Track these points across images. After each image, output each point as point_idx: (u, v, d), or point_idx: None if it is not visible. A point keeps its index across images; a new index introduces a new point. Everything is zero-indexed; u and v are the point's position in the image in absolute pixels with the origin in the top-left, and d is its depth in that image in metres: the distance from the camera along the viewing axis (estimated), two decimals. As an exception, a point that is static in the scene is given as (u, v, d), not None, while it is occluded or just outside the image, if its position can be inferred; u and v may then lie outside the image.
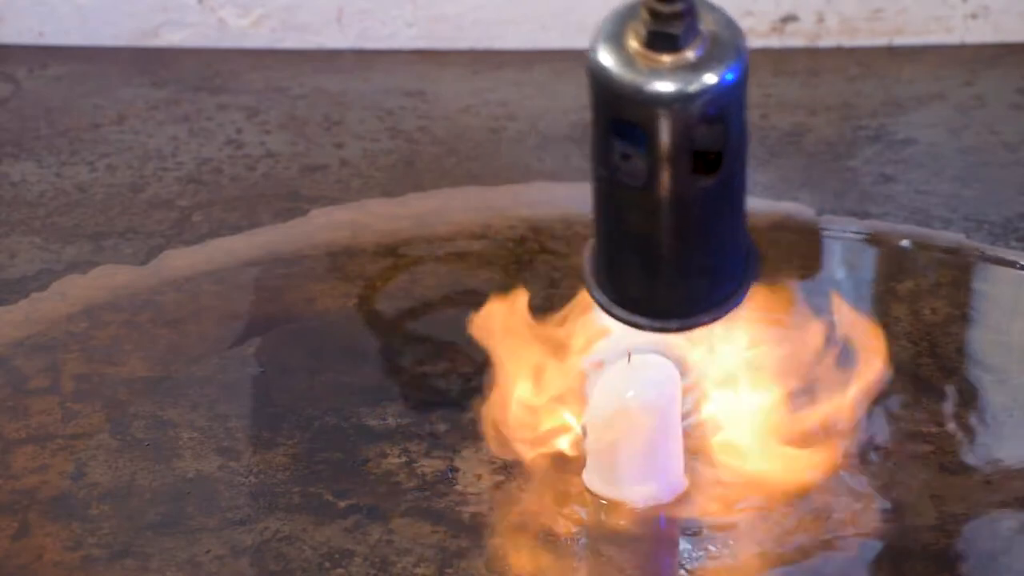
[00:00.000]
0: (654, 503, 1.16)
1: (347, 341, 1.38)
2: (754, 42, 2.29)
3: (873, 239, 1.58)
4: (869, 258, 1.56)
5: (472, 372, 1.31)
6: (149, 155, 1.89)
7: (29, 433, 1.23)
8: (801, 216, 1.66)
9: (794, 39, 2.30)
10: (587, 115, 2.07)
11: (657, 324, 1.02)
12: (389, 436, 1.22)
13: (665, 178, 0.93)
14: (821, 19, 2.30)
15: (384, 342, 1.39)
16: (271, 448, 1.21)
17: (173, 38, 2.32)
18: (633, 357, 1.17)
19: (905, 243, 1.57)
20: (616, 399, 1.16)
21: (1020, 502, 1.14)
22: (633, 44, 0.92)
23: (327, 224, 1.64)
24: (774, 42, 2.30)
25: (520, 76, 2.15)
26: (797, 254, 1.56)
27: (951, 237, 1.59)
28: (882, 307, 1.44)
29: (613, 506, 1.15)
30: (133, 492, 1.16)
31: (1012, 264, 1.50)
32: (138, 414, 1.26)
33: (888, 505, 1.14)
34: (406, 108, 2.04)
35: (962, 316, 1.41)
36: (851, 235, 1.60)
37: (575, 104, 2.05)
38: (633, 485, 1.16)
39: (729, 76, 0.92)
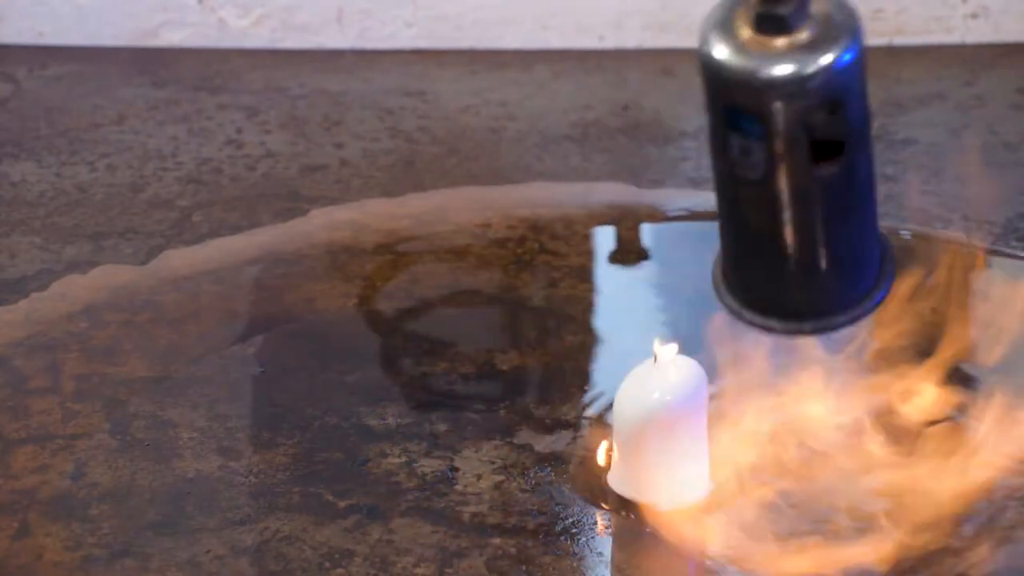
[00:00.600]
0: (679, 506, 1.15)
1: (347, 341, 1.38)
2: (754, 42, 2.29)
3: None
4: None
5: (472, 372, 1.31)
6: (149, 155, 1.89)
7: (29, 433, 1.23)
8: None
9: (794, 39, 2.30)
10: (587, 115, 2.08)
11: (791, 327, 0.98)
12: (389, 436, 1.22)
13: (784, 169, 0.90)
14: (821, 19, 2.29)
15: (384, 342, 1.39)
16: (271, 448, 1.21)
17: (173, 38, 2.32)
18: (659, 357, 1.16)
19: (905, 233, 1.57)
20: (643, 400, 1.15)
21: (1020, 502, 1.14)
22: (743, 30, 0.88)
23: (327, 224, 1.64)
24: (774, 42, 2.30)
25: (520, 76, 2.15)
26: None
27: (951, 237, 1.59)
28: (882, 307, 1.43)
29: (638, 508, 1.14)
30: (133, 492, 1.16)
31: (1013, 260, 1.51)
32: (138, 414, 1.26)
33: (888, 504, 1.14)
34: (406, 108, 2.05)
35: (962, 316, 1.41)
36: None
37: (575, 104, 2.05)
38: (658, 487, 1.15)
39: (846, 56, 0.87)
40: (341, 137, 1.95)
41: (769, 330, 0.98)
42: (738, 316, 0.99)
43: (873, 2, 2.29)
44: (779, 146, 0.89)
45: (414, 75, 2.18)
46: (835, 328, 0.98)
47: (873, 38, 2.31)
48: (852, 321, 0.98)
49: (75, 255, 1.59)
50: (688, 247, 1.56)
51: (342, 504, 1.14)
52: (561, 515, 1.13)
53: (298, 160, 1.87)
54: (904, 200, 1.72)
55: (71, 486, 1.16)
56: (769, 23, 0.87)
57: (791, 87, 0.87)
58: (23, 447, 1.22)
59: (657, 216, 1.63)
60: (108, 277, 1.50)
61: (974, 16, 2.30)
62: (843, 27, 0.88)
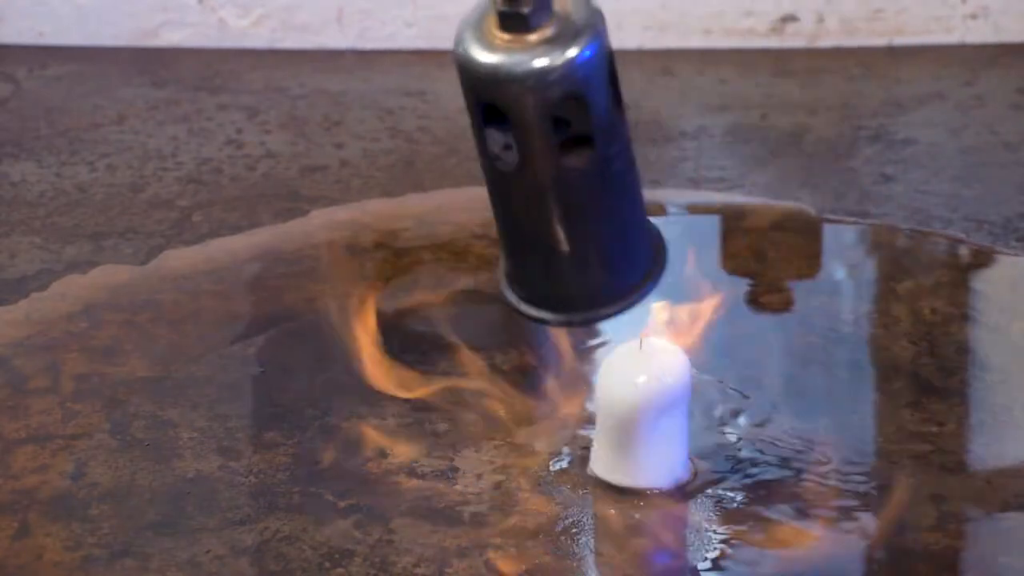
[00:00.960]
0: (659, 490, 1.17)
1: (347, 340, 1.38)
2: (754, 42, 2.29)
3: (874, 238, 1.59)
4: (869, 257, 1.56)
5: (472, 371, 1.31)
6: (149, 155, 1.89)
7: (29, 433, 1.23)
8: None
9: (794, 39, 2.30)
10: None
11: (561, 318, 1.02)
12: (389, 436, 1.22)
13: (535, 161, 0.94)
14: (821, 19, 2.30)
15: (384, 342, 1.38)
16: (271, 448, 1.21)
17: (173, 38, 2.32)
18: (644, 343, 1.17)
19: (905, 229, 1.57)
20: (627, 385, 1.16)
21: (1020, 502, 1.14)
22: (492, 29, 0.93)
23: (327, 224, 1.64)
24: (774, 42, 2.30)
25: (520, 76, 2.14)
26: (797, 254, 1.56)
27: (951, 236, 1.59)
28: (882, 307, 1.44)
29: (618, 492, 1.15)
30: (133, 492, 1.16)
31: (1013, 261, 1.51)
32: (138, 414, 1.26)
33: (888, 505, 1.14)
34: (406, 108, 2.05)
35: (962, 316, 1.41)
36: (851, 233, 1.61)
37: (575, 104, 2.05)
38: (639, 472, 1.16)
39: (587, 52, 0.92)
40: (341, 137, 1.95)
41: (542, 322, 1.03)
42: (516, 309, 1.03)
43: (873, 2, 2.29)
44: (528, 139, 0.93)
45: (414, 75, 2.18)
46: (603, 319, 1.03)
47: (873, 38, 2.32)
48: (620, 311, 1.01)
49: (75, 255, 1.59)
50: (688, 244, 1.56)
51: (342, 504, 1.14)
52: (561, 515, 1.13)
53: (298, 160, 1.87)
54: (904, 200, 1.72)
55: (71, 486, 1.16)
56: (512, 21, 0.91)
57: (533, 81, 0.91)
58: (23, 447, 1.21)
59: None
60: (108, 277, 1.50)
61: (974, 16, 2.30)
62: (585, 24, 0.93)
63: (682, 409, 1.18)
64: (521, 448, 1.21)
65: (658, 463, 1.17)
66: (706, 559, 1.09)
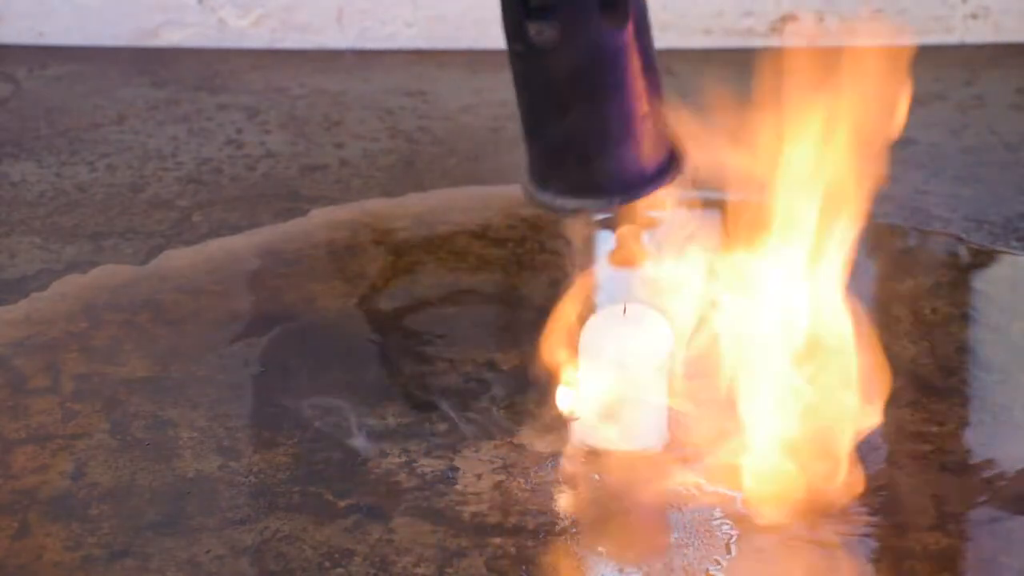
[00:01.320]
0: (642, 452, 1.20)
1: (347, 341, 1.38)
2: (754, 42, 2.30)
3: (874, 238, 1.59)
4: (869, 257, 1.56)
5: (472, 372, 1.31)
6: (149, 155, 1.89)
7: (29, 433, 1.23)
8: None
9: (794, 39, 2.30)
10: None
11: (602, 202, 1.08)
12: (389, 436, 1.23)
13: (577, 29, 1.01)
14: (821, 19, 2.30)
15: (384, 342, 1.39)
16: (271, 448, 1.21)
17: (173, 38, 2.32)
18: (629, 309, 1.19)
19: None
20: (613, 350, 1.18)
21: (1020, 502, 1.14)
22: None
23: (327, 224, 1.64)
24: (774, 42, 2.30)
25: (520, 76, 2.14)
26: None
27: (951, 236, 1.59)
28: (882, 307, 1.44)
29: (602, 455, 1.18)
30: (133, 492, 1.16)
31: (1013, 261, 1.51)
32: (138, 414, 1.26)
33: (888, 505, 1.14)
34: (406, 108, 2.05)
35: (962, 316, 1.41)
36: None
37: (575, 104, 2.05)
38: (624, 435, 1.19)
39: None
40: (341, 137, 1.95)
41: (582, 210, 1.09)
42: (551, 208, 1.09)
43: (873, 2, 2.29)
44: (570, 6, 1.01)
45: (414, 75, 2.18)
46: (642, 196, 1.08)
47: (873, 38, 2.31)
48: (656, 189, 1.08)
49: (75, 255, 1.59)
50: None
51: (342, 504, 1.14)
52: (561, 514, 1.13)
53: (298, 160, 1.87)
54: (904, 199, 1.72)
55: (71, 486, 1.16)
56: None
57: None
58: (23, 447, 1.21)
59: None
60: (108, 277, 1.50)
61: (974, 16, 2.30)
62: None
63: (662, 375, 1.20)
64: (521, 448, 1.21)
65: (642, 426, 1.20)
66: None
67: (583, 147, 1.07)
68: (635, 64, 1.06)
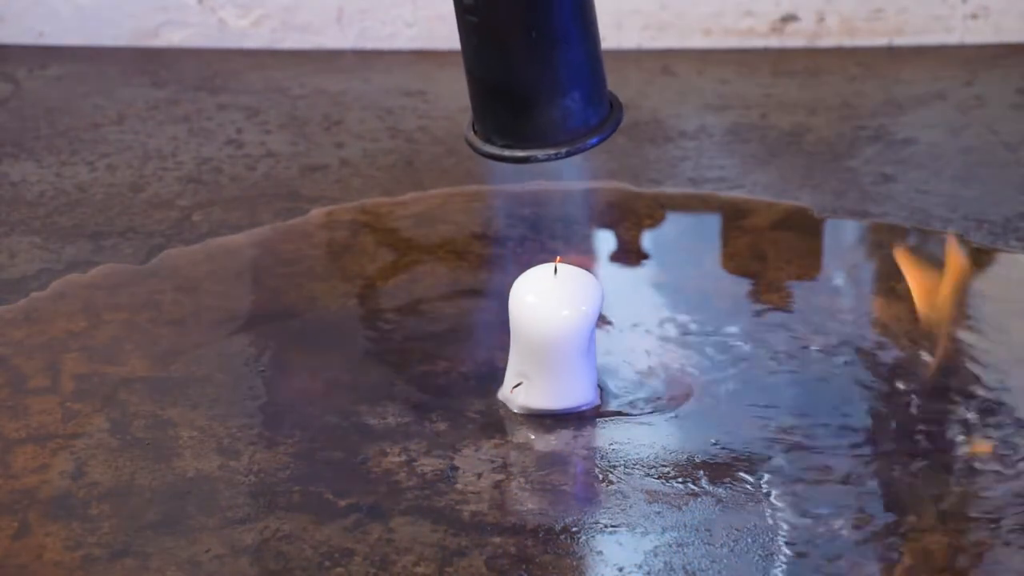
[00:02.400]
0: (575, 411, 1.24)
1: (347, 340, 1.38)
2: (754, 42, 2.30)
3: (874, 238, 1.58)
4: (869, 257, 1.56)
5: (472, 372, 1.31)
6: (149, 155, 1.89)
7: (29, 433, 1.23)
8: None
9: (794, 39, 2.31)
10: (587, 115, 2.06)
11: (549, 152, 1.11)
12: (389, 435, 1.22)
13: None
14: (821, 19, 2.30)
15: (384, 341, 1.39)
16: (271, 447, 1.21)
17: (173, 38, 2.32)
18: (559, 269, 1.22)
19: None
20: (543, 309, 1.21)
21: (1020, 501, 1.14)
22: None
23: (327, 223, 1.64)
24: (774, 42, 2.30)
25: (520, 76, 2.14)
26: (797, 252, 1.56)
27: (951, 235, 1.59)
28: (882, 306, 1.44)
29: (532, 418, 1.22)
30: (133, 491, 1.16)
31: (1013, 260, 1.50)
32: (138, 413, 1.26)
33: (889, 505, 1.14)
34: (406, 108, 2.05)
35: (962, 315, 1.41)
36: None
37: (575, 104, 2.05)
38: (555, 396, 1.23)
39: None
40: (341, 137, 1.95)
41: (530, 160, 1.12)
42: (499, 158, 1.12)
43: (873, 2, 2.29)
44: None
45: (414, 75, 2.19)
46: (587, 148, 1.11)
47: (873, 38, 2.32)
48: (601, 140, 1.11)
49: (75, 255, 1.59)
50: (687, 245, 1.56)
51: (342, 503, 1.14)
52: (561, 514, 1.13)
53: (298, 160, 1.87)
54: (904, 199, 1.72)
55: (71, 485, 1.16)
56: None
57: None
58: (23, 447, 1.21)
59: (657, 215, 1.63)
60: (108, 276, 1.50)
61: (974, 16, 2.30)
62: None
63: (592, 333, 1.23)
64: (521, 447, 1.21)
65: (587, 382, 1.24)
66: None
67: (530, 98, 1.10)
68: (581, 14, 1.09)
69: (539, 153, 1.12)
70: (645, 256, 1.54)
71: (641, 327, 1.39)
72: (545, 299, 1.22)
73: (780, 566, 1.07)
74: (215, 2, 2.31)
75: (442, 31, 2.30)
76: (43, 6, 2.32)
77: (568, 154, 1.13)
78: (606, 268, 1.49)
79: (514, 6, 1.08)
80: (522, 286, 1.24)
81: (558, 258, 1.24)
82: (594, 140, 1.13)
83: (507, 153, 1.13)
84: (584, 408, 1.25)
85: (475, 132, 1.16)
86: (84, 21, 2.32)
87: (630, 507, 1.13)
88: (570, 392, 1.24)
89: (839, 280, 1.49)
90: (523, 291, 1.23)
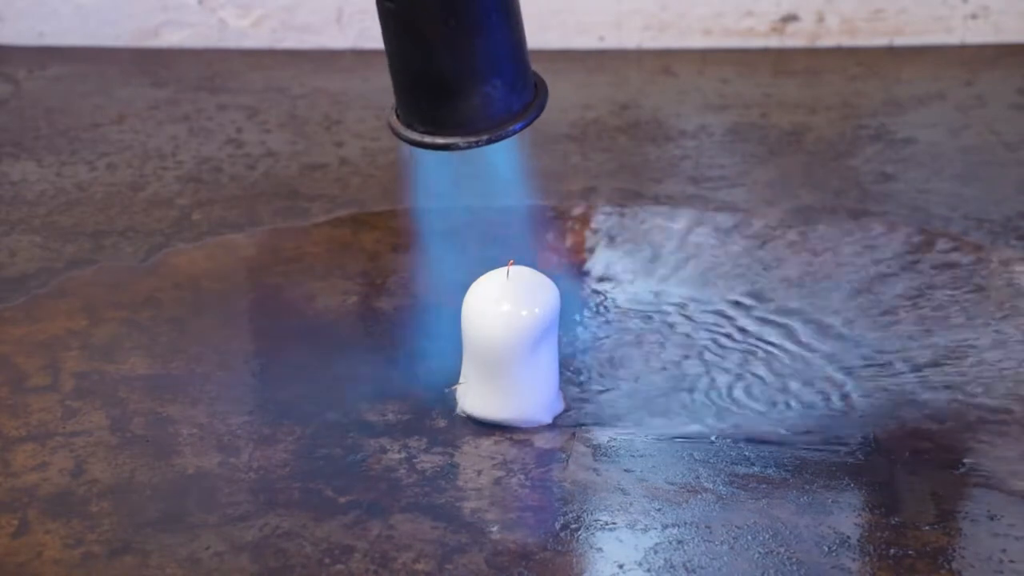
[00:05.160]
0: (535, 424, 1.22)
1: (347, 338, 1.38)
2: (754, 42, 2.29)
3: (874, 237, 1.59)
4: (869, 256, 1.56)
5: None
6: (149, 154, 1.89)
7: (29, 431, 1.23)
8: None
9: (794, 39, 2.30)
10: (586, 114, 2.07)
11: (471, 139, 1.11)
12: (389, 432, 1.22)
13: None
14: (821, 19, 2.30)
15: (384, 339, 1.38)
16: (271, 444, 1.21)
17: (173, 38, 2.32)
18: (512, 271, 1.19)
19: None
20: (495, 316, 1.18)
21: (1021, 500, 1.14)
22: None
23: (327, 222, 1.64)
24: (774, 42, 2.30)
25: (520, 76, 2.14)
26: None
27: (951, 235, 1.59)
28: (882, 305, 1.44)
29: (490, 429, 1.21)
30: (133, 489, 1.16)
31: (1013, 259, 1.51)
32: (138, 411, 1.26)
33: (889, 503, 1.14)
34: (406, 108, 2.04)
35: (962, 314, 1.41)
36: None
37: (575, 103, 2.05)
38: (511, 406, 1.20)
39: None
40: (341, 136, 1.95)
41: (452, 147, 1.11)
42: (421, 144, 1.12)
43: (873, 2, 2.29)
44: None
45: (414, 75, 2.18)
46: (511, 135, 1.12)
47: (873, 38, 2.32)
48: (525, 126, 1.12)
49: (75, 253, 1.59)
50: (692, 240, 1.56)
51: (342, 500, 1.14)
52: (561, 510, 1.13)
53: (298, 159, 1.87)
54: (904, 198, 1.72)
55: (71, 483, 1.16)
56: None
57: None
58: (23, 445, 1.21)
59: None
60: (108, 275, 1.50)
61: (974, 16, 2.30)
62: None
63: (552, 339, 1.20)
64: (521, 443, 1.21)
65: (530, 396, 1.20)
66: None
67: (451, 85, 1.10)
68: (495, 1, 1.09)
69: (460, 141, 1.12)
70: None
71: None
72: (487, 298, 1.19)
73: (780, 564, 1.07)
74: (215, 2, 2.31)
75: (442, 31, 2.30)
76: (43, 6, 2.32)
77: (490, 141, 1.12)
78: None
79: None
80: (474, 287, 1.21)
81: (511, 261, 1.21)
82: (517, 126, 1.12)
83: (428, 140, 1.13)
84: (528, 426, 1.22)
85: (397, 117, 1.15)
86: (84, 21, 2.32)
87: (630, 504, 1.13)
88: (512, 404, 1.21)
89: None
90: (472, 291, 1.21)
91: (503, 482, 1.16)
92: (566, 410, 1.25)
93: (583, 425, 1.23)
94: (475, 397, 1.22)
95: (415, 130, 1.13)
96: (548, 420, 1.22)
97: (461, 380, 1.22)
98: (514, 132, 1.12)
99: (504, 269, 1.20)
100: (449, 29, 1.09)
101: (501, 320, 1.18)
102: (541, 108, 1.14)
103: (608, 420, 1.24)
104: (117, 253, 1.59)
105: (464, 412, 1.22)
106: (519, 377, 1.20)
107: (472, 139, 1.12)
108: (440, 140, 1.12)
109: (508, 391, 1.20)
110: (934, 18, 2.30)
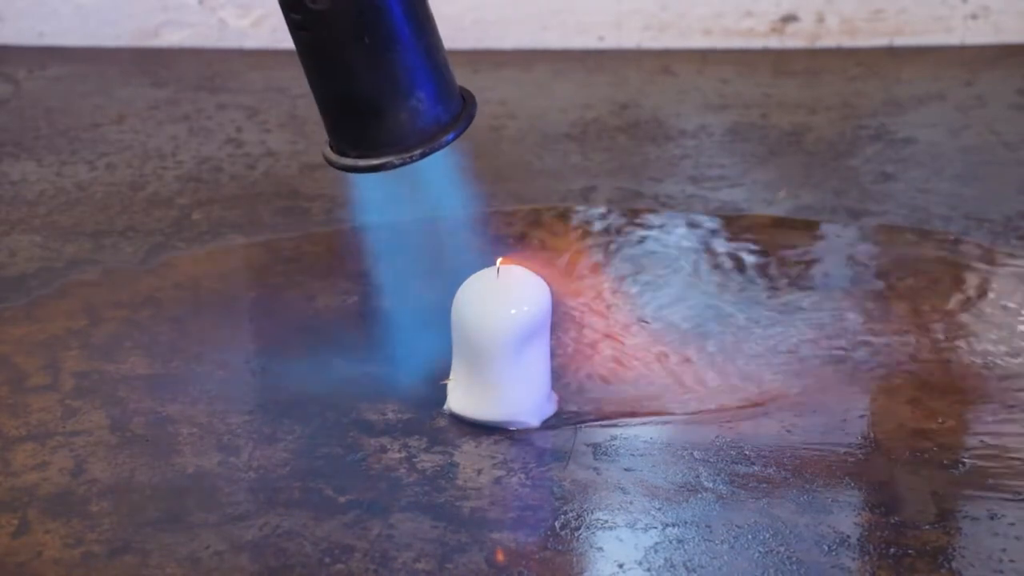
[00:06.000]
0: (520, 426, 1.21)
1: (347, 337, 1.38)
2: (754, 42, 2.30)
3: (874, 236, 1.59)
4: (868, 255, 1.56)
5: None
6: (149, 154, 1.89)
7: (29, 430, 1.23)
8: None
9: (794, 39, 2.30)
10: (586, 114, 2.07)
11: (404, 156, 1.11)
12: (389, 431, 1.22)
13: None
14: (821, 19, 2.30)
15: (384, 338, 1.38)
16: (271, 444, 1.21)
17: (173, 38, 2.32)
18: (501, 271, 1.19)
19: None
20: (483, 314, 1.18)
21: (1020, 499, 1.14)
22: None
23: (326, 221, 1.64)
24: (774, 42, 2.30)
25: (520, 75, 2.15)
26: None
27: (952, 234, 1.59)
28: (883, 305, 1.44)
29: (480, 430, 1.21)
30: (133, 488, 1.16)
31: (1013, 259, 1.51)
32: (138, 410, 1.26)
33: (889, 502, 1.14)
34: (406, 107, 2.04)
35: (962, 313, 1.41)
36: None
37: (574, 103, 2.05)
38: (500, 407, 1.20)
39: None
40: (341, 136, 1.95)
41: (386, 167, 1.12)
42: (354, 169, 1.13)
43: (873, 2, 2.29)
44: None
45: (414, 75, 2.18)
46: (442, 147, 1.12)
47: (873, 38, 2.32)
48: (454, 138, 1.13)
49: (75, 253, 1.59)
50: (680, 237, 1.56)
51: (342, 499, 1.14)
52: (561, 509, 1.13)
53: (298, 159, 1.87)
54: (904, 198, 1.72)
55: (71, 483, 1.16)
56: None
57: None
58: (23, 444, 1.21)
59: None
60: (108, 275, 1.50)
61: (974, 16, 2.30)
62: None
63: (543, 340, 1.19)
64: (520, 443, 1.21)
65: (517, 397, 1.19)
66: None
67: (374, 103, 1.10)
68: (411, 14, 1.10)
69: (394, 159, 1.12)
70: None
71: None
72: (476, 295, 1.19)
73: (780, 563, 1.07)
74: (215, 2, 2.31)
75: (442, 31, 2.30)
76: (43, 6, 2.32)
77: (423, 155, 1.13)
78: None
79: (341, 16, 1.09)
80: (465, 284, 1.20)
81: (500, 259, 1.21)
82: (449, 136, 1.13)
83: (362, 163, 1.13)
84: (513, 427, 1.21)
85: (331, 147, 1.16)
86: (84, 21, 2.32)
87: (630, 503, 1.13)
88: (498, 404, 1.20)
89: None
90: (462, 288, 1.20)
91: (503, 481, 1.16)
92: (558, 413, 1.24)
93: (583, 424, 1.23)
94: (462, 396, 1.21)
95: (347, 156, 1.13)
96: (535, 423, 1.22)
97: (451, 377, 1.22)
98: (447, 143, 1.13)
99: (492, 269, 1.20)
100: (364, 47, 1.09)
101: (488, 316, 1.18)
102: (471, 117, 1.14)
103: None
104: (117, 253, 1.59)
105: (450, 410, 1.22)
106: (505, 376, 1.19)
107: (405, 155, 1.12)
108: (374, 161, 1.13)
109: (494, 390, 1.20)
110: (934, 18, 2.30)
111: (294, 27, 1.12)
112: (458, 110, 1.14)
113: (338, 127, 1.14)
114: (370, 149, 1.12)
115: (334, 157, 1.15)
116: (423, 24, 1.12)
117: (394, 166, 1.12)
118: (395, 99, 1.11)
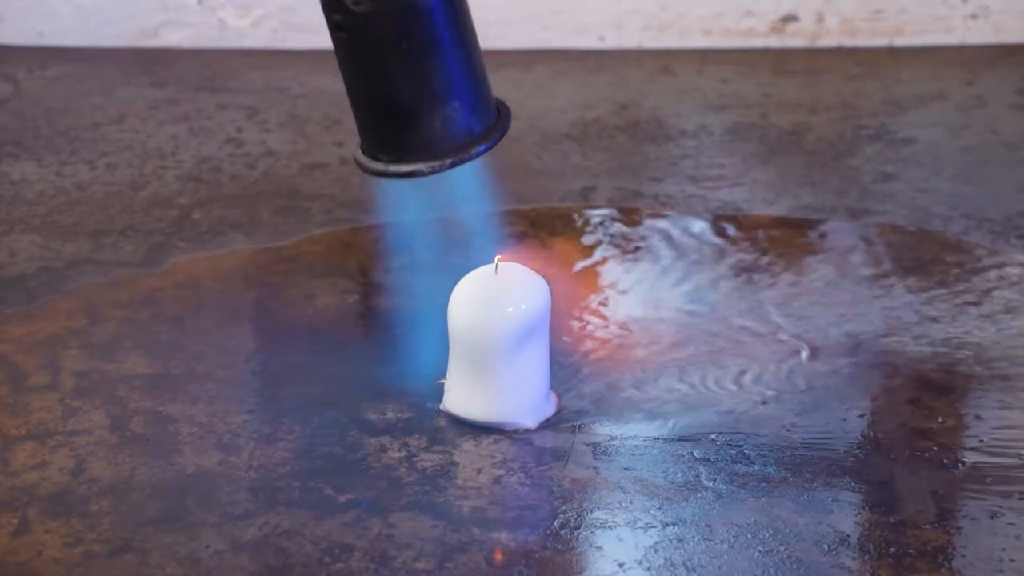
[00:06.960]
0: (517, 427, 1.20)
1: (347, 337, 1.38)
2: (754, 42, 2.30)
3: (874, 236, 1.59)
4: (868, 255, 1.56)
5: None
6: (149, 154, 1.89)
7: (29, 430, 1.23)
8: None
9: (794, 39, 2.30)
10: (587, 114, 2.07)
11: (435, 164, 1.11)
12: (389, 431, 1.22)
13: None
14: (821, 19, 2.30)
15: (383, 338, 1.38)
16: (271, 443, 1.21)
17: (173, 38, 2.32)
18: (500, 267, 1.18)
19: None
20: (480, 311, 1.17)
21: (1021, 499, 1.14)
22: None
23: (327, 221, 1.64)
24: (774, 42, 2.30)
25: (520, 76, 2.15)
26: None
27: (951, 234, 1.59)
28: (882, 304, 1.44)
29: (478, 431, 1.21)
30: (133, 488, 1.16)
31: (1013, 258, 1.51)
32: (138, 410, 1.26)
33: (889, 502, 1.14)
34: (406, 107, 2.04)
35: (962, 313, 1.41)
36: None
37: (574, 103, 2.05)
38: (497, 406, 1.19)
39: None
40: (341, 136, 1.95)
41: (416, 174, 1.12)
42: (384, 174, 1.12)
43: (873, 2, 2.29)
44: None
45: (413, 75, 2.18)
46: (474, 157, 1.12)
47: (873, 38, 2.32)
48: (487, 149, 1.13)
49: (75, 253, 1.59)
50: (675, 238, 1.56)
51: (342, 499, 1.14)
52: (561, 509, 1.13)
53: (298, 158, 1.87)
54: (904, 198, 1.72)
55: (71, 482, 1.16)
56: None
57: None
58: (23, 444, 1.21)
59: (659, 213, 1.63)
60: (108, 275, 1.50)
61: (974, 16, 2.30)
62: None
63: (542, 339, 1.18)
64: (520, 442, 1.21)
65: (513, 397, 1.18)
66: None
67: (409, 109, 1.10)
68: (452, 22, 1.10)
69: (423, 166, 1.12)
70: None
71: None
72: (472, 292, 1.18)
73: (780, 563, 1.07)
74: (215, 2, 2.31)
75: (442, 31, 2.30)
76: (43, 6, 2.32)
77: (453, 164, 1.12)
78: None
79: (383, 19, 1.08)
80: (462, 281, 1.20)
81: (498, 257, 1.20)
82: (480, 148, 1.12)
83: (392, 169, 1.13)
84: (508, 428, 1.21)
85: (363, 151, 1.16)
86: (84, 21, 2.32)
87: (630, 502, 1.13)
88: (493, 404, 1.19)
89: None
90: (459, 285, 1.19)
91: (503, 481, 1.16)
92: (558, 413, 1.24)
93: (583, 423, 1.23)
94: (457, 395, 1.21)
95: (379, 160, 1.13)
96: (532, 424, 1.21)
97: (447, 376, 1.22)
98: (478, 154, 1.12)
99: (491, 266, 1.20)
100: (403, 52, 1.09)
101: (484, 314, 1.17)
102: (504, 131, 1.14)
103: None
104: (117, 253, 1.59)
105: (446, 409, 1.22)
106: (501, 376, 1.18)
107: (435, 163, 1.12)
108: (404, 168, 1.12)
109: (489, 390, 1.19)
110: (934, 18, 2.30)
111: (334, 28, 1.11)
112: (492, 121, 1.14)
113: (370, 130, 1.14)
114: (400, 155, 1.12)
115: (364, 161, 1.15)
116: (464, 33, 1.11)
117: (423, 174, 1.12)
118: (430, 106, 1.10)
